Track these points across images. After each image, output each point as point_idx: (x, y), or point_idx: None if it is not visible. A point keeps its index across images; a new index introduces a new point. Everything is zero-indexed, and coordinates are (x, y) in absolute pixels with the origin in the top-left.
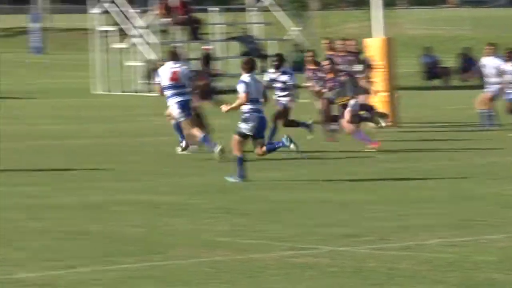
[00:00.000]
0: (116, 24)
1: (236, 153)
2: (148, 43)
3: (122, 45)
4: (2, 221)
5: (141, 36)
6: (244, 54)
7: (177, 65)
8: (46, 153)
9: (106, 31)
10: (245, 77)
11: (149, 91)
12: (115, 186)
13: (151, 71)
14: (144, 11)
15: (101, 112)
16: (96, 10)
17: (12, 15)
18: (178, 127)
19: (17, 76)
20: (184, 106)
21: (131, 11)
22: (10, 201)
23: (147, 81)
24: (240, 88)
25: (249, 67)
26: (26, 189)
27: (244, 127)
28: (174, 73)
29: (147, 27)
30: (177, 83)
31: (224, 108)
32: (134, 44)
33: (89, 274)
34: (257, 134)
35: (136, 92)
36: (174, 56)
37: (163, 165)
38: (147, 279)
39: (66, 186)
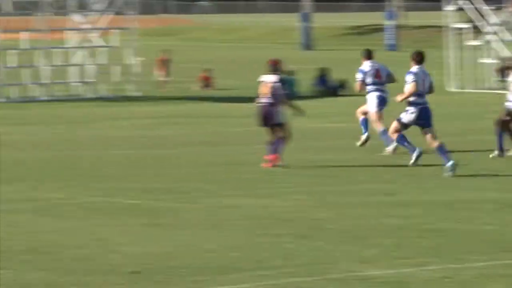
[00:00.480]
0: (470, 21)
1: (392, 135)
2: (502, 40)
3: (476, 42)
4: (353, 218)
5: (495, 33)
6: None
7: (376, 64)
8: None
9: (460, 28)
10: (414, 68)
11: (503, 89)
12: (467, 184)
13: (504, 68)
14: (499, 8)
15: (456, 109)
16: (450, 8)
17: (367, 13)
18: (366, 122)
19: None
20: (382, 101)
21: (486, 8)
22: (356, 199)
23: (501, 79)
24: (409, 78)
25: (419, 59)
26: (372, 187)
27: (405, 116)
28: (377, 71)
29: (502, 24)
30: (379, 81)
31: (398, 98)
32: (488, 41)
33: (441, 272)
34: (422, 124)
35: (490, 90)
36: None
37: None
38: (499, 277)
39: (416, 184)
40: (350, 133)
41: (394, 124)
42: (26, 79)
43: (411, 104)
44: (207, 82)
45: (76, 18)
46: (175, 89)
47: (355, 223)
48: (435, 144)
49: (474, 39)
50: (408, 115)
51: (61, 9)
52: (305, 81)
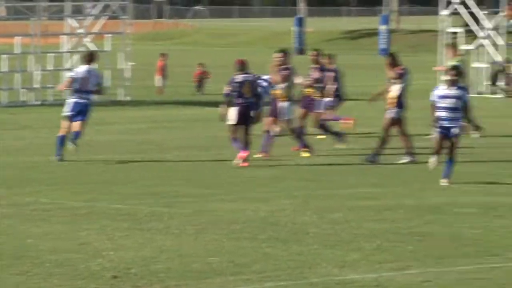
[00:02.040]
0: (465, 25)
1: None
2: (495, 45)
3: (469, 47)
4: (336, 222)
5: (488, 37)
6: None
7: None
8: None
9: (455, 32)
10: None
11: (493, 93)
12: (454, 188)
13: (497, 73)
14: (493, 12)
15: None
16: (445, 12)
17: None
18: None
19: (357, 77)
20: None
21: (480, 12)
22: (339, 203)
23: (492, 83)
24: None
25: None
26: (366, 190)
27: None
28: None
29: (496, 28)
30: None
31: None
32: (481, 46)
33: (421, 276)
34: None
35: (480, 94)
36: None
37: (505, 167)
38: (480, 281)
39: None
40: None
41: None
42: (18, 84)
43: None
44: (203, 76)
45: (71, 23)
46: (169, 93)
47: (337, 227)
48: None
49: (468, 44)
50: None
51: (56, 14)
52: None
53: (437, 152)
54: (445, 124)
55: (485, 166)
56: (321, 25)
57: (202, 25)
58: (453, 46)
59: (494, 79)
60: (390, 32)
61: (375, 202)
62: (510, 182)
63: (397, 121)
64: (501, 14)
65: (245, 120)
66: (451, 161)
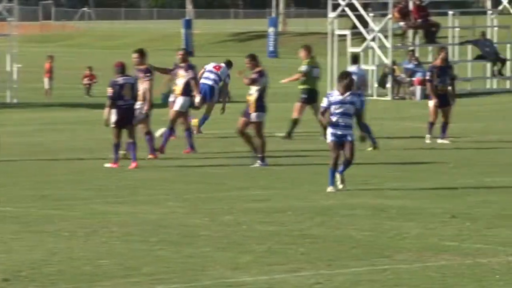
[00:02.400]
0: (353, 28)
1: None
2: (383, 47)
3: (358, 49)
4: (227, 225)
5: (375, 39)
6: (478, 57)
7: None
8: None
9: (344, 35)
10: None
11: (382, 96)
12: (343, 190)
13: (385, 75)
14: (381, 15)
15: None
16: (333, 14)
17: (253, 19)
18: None
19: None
20: None
21: (368, 14)
22: (230, 206)
23: (381, 85)
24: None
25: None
26: (255, 193)
27: None
28: None
29: (383, 30)
30: None
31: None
32: (369, 48)
33: (313, 278)
34: None
35: (369, 96)
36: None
37: (392, 169)
38: (371, 283)
39: (290, 190)
40: (234, 140)
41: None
42: None
43: None
44: (91, 79)
45: None
46: (56, 95)
47: (228, 229)
48: None
49: (356, 46)
50: None
51: None
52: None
53: (335, 164)
54: (339, 131)
55: (373, 168)
56: (209, 27)
57: (89, 27)
58: (307, 48)
59: (382, 81)
60: (278, 34)
61: (265, 204)
62: (397, 184)
63: (263, 124)
64: (388, 17)
65: (126, 122)
66: (347, 162)
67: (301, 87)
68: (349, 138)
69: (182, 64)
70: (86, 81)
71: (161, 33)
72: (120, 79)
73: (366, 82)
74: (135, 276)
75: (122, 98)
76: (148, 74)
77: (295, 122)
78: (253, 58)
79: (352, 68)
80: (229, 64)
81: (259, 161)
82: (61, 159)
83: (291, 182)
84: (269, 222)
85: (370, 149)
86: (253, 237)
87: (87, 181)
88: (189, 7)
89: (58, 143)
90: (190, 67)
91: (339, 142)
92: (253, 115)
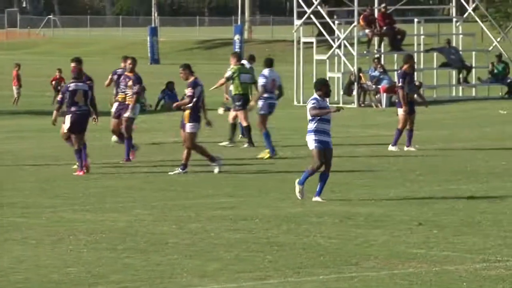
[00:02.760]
0: (319, 35)
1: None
2: (349, 55)
3: (323, 57)
4: (194, 232)
5: (341, 47)
6: (444, 65)
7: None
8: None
9: (310, 42)
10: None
11: (348, 103)
12: (310, 197)
13: (351, 82)
14: (346, 23)
15: (300, 124)
16: (299, 22)
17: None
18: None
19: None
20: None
21: (334, 22)
22: (198, 213)
23: (346, 93)
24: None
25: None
26: (222, 200)
27: None
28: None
29: (349, 38)
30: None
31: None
32: (335, 56)
33: (281, 286)
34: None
35: (334, 104)
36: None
37: (359, 177)
38: None
39: (256, 197)
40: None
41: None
42: None
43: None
44: (60, 81)
45: None
46: (23, 103)
47: (196, 237)
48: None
49: (322, 53)
50: None
51: None
52: (153, 95)
53: (315, 172)
54: (326, 138)
55: (340, 175)
56: (175, 35)
57: (55, 35)
58: (236, 55)
59: (348, 89)
60: (244, 42)
61: (232, 212)
62: (364, 192)
63: (196, 135)
64: (354, 24)
65: (79, 128)
66: (326, 176)
67: (234, 93)
68: (331, 145)
69: (130, 75)
70: (55, 84)
71: (127, 40)
72: (72, 85)
73: (278, 85)
74: (102, 284)
75: (76, 104)
76: (138, 83)
77: (232, 127)
78: (186, 68)
79: (266, 72)
80: (251, 58)
81: (180, 169)
82: (28, 165)
83: (258, 190)
84: (236, 229)
85: (265, 156)
86: (220, 245)
87: (54, 189)
88: (154, 15)
89: (25, 150)
90: (138, 81)
91: (324, 149)
92: (187, 126)
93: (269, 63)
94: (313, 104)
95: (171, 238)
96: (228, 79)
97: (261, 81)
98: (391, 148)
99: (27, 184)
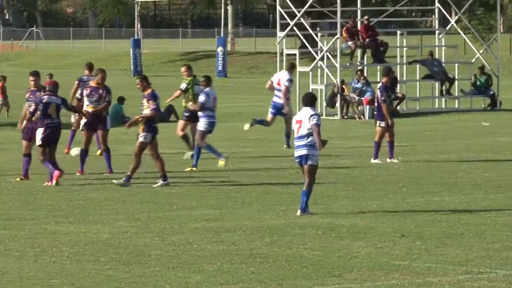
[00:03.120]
0: (302, 47)
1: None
2: (331, 67)
3: (306, 69)
4: (178, 244)
5: (323, 59)
6: (427, 77)
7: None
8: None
9: (293, 54)
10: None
11: (331, 115)
12: (293, 209)
13: (334, 94)
14: (329, 35)
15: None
16: (282, 34)
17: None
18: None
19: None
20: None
21: (317, 34)
22: (180, 225)
23: (329, 105)
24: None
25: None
26: (205, 212)
27: None
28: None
29: (332, 50)
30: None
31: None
32: (318, 68)
33: None
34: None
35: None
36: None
37: (341, 188)
38: None
39: (239, 209)
40: (173, 157)
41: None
42: None
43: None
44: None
45: None
46: (4, 114)
47: (178, 249)
48: None
49: (305, 65)
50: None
51: None
52: (135, 108)
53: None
54: (296, 153)
55: (322, 187)
56: (157, 47)
57: (38, 47)
58: (188, 67)
59: (331, 101)
60: (227, 54)
61: (215, 224)
62: (347, 203)
63: (146, 145)
64: (337, 36)
65: (51, 141)
66: (308, 191)
67: (185, 104)
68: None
69: (99, 86)
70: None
71: (110, 52)
72: (46, 97)
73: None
74: None
75: (49, 117)
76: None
77: (183, 138)
78: (143, 79)
79: (207, 90)
80: (292, 67)
81: (161, 180)
82: (10, 175)
83: (241, 202)
84: (219, 241)
85: (222, 164)
86: (203, 257)
87: (36, 201)
88: (137, 27)
89: (7, 162)
90: (108, 92)
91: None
92: (140, 135)
93: (209, 81)
94: (318, 119)
95: (154, 250)
96: (183, 91)
97: (201, 98)
98: (373, 161)
99: (10, 196)
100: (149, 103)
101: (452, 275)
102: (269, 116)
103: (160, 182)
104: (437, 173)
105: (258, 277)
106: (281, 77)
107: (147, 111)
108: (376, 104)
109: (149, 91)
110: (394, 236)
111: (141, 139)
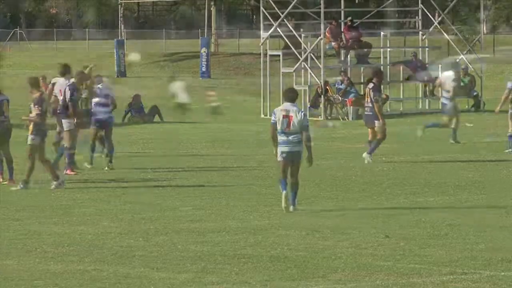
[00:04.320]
0: (285, 48)
1: None
2: (315, 67)
3: (290, 70)
4: (162, 245)
5: (307, 60)
6: (410, 78)
7: None
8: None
9: (277, 55)
10: None
11: (315, 116)
12: (278, 210)
13: (318, 95)
14: (313, 36)
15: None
16: (265, 35)
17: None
18: None
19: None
20: None
21: (301, 35)
22: (164, 226)
23: (313, 105)
24: None
25: None
26: (189, 213)
27: None
28: None
29: (315, 51)
30: None
31: None
32: (302, 68)
33: None
34: None
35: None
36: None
37: (325, 189)
38: None
39: (223, 210)
40: (159, 159)
41: None
42: None
43: None
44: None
45: None
46: None
47: (163, 250)
48: None
49: (289, 66)
50: None
51: None
52: (119, 109)
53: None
54: (288, 148)
55: (306, 188)
56: (141, 48)
57: (21, 48)
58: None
59: (315, 101)
60: (211, 55)
61: (199, 225)
62: (331, 204)
63: (35, 148)
64: (320, 37)
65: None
66: (296, 188)
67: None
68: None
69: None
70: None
71: (96, 53)
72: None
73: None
74: None
75: (3, 114)
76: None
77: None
78: (34, 82)
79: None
80: None
81: (20, 184)
82: None
83: (225, 202)
84: (203, 242)
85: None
86: (188, 257)
87: (20, 202)
88: (121, 27)
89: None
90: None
91: (289, 160)
92: (29, 137)
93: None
94: (308, 120)
95: (138, 250)
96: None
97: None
98: (365, 155)
99: None
100: (35, 107)
101: (436, 276)
102: None
103: (20, 185)
104: (421, 174)
105: (242, 278)
106: None
107: (33, 115)
108: (369, 105)
109: (37, 95)
110: (378, 237)
111: (30, 141)
